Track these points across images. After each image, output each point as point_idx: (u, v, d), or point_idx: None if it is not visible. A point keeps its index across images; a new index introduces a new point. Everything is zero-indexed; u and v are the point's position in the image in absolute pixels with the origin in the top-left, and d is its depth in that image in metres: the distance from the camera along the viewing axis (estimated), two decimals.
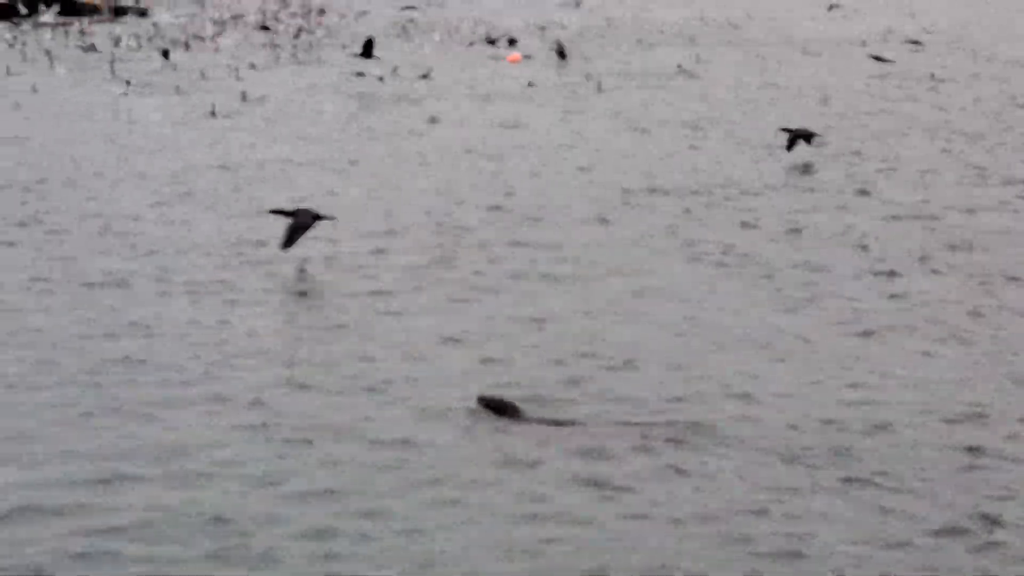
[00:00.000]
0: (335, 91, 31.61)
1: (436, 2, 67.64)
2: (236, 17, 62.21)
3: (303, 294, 13.69)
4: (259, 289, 13.53)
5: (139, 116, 26.98)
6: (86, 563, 7.65)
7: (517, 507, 8.41)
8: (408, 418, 9.86)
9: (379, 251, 15.06)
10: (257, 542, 7.89)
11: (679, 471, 8.98)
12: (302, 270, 14.32)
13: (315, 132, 24.57)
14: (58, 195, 18.21)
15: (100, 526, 8.07)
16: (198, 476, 8.80)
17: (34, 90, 31.48)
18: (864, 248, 15.33)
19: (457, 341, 11.71)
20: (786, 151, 21.31)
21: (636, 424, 9.73)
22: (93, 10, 65.83)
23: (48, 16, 55.45)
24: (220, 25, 53.75)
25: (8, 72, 35.77)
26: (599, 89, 31.90)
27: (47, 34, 49.72)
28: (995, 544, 8.14)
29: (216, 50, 45.95)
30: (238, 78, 34.48)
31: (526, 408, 9.90)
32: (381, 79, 33.61)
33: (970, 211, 17.72)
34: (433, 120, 26.18)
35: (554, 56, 40.03)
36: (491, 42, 46.18)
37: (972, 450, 9.47)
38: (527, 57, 40.29)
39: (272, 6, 76.84)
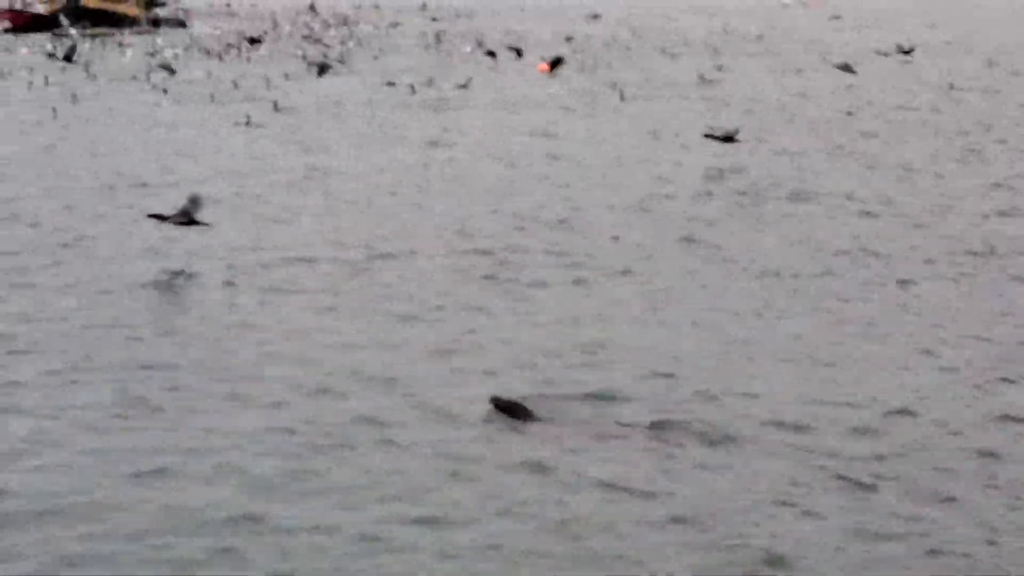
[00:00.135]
0: (365, 102, 32.24)
1: (465, 13, 68.14)
2: (269, 29, 62.96)
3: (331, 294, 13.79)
4: (294, 289, 13.74)
5: (175, 123, 27.77)
6: (109, 562, 7.67)
7: (532, 508, 8.36)
8: (424, 420, 9.83)
9: (391, 255, 15.15)
10: (278, 540, 7.81)
11: (693, 471, 8.99)
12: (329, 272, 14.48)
13: (344, 141, 25.17)
14: (96, 199, 18.86)
15: (126, 524, 8.05)
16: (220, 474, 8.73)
17: (74, 99, 32.39)
18: (876, 254, 15.50)
19: (474, 344, 11.86)
20: (799, 156, 21.72)
21: (649, 426, 9.76)
22: (132, 22, 67.03)
23: (87, 28, 56.51)
24: (253, 37, 54.62)
25: (47, 82, 36.64)
26: (622, 98, 32.54)
27: (86, 44, 50.78)
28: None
29: (248, 60, 46.77)
30: (270, 87, 35.26)
31: (538, 410, 9.90)
32: (412, 89, 34.28)
33: (985, 216, 18.03)
34: (458, 130, 26.76)
35: (577, 65, 40.57)
36: (518, 52, 46.82)
37: (987, 454, 9.38)
38: (557, 62, 40.88)
39: (305, 18, 77.68)
